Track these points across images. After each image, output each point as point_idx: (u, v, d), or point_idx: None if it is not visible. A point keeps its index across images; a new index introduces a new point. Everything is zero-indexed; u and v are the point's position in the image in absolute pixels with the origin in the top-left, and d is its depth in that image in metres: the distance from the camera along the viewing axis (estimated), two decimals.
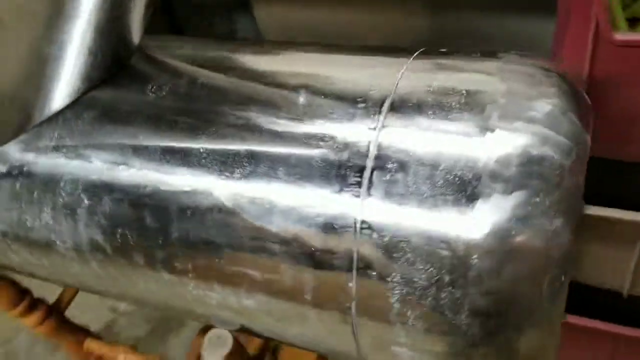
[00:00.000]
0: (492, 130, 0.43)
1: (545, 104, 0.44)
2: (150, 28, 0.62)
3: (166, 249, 0.52)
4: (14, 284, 0.74)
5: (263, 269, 0.49)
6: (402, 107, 0.46)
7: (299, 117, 0.49)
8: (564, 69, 0.51)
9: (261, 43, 0.66)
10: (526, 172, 0.41)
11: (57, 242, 0.58)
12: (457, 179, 0.42)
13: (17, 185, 0.57)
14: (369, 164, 0.44)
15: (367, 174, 0.44)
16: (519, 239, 0.41)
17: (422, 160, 0.43)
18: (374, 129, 0.45)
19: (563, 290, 0.43)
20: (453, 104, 0.45)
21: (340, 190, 0.45)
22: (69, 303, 0.82)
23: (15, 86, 0.56)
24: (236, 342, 0.60)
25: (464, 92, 0.45)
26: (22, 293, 0.76)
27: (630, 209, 0.83)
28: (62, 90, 0.57)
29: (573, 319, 1.07)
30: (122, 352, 0.80)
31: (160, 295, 0.58)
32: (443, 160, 0.43)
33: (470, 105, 0.44)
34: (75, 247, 0.57)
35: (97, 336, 0.86)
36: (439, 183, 0.42)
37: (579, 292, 1.01)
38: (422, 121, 0.45)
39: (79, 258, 0.58)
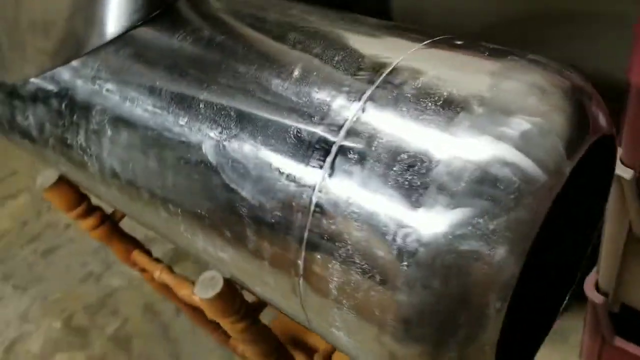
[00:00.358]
0: (455, 141, 0.41)
1: (525, 122, 0.41)
2: None
3: (163, 190, 0.57)
4: (74, 187, 0.84)
5: (233, 228, 0.51)
6: (382, 98, 0.45)
7: (288, 89, 0.49)
8: (582, 85, 0.46)
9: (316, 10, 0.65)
10: (475, 190, 0.39)
11: (88, 164, 0.65)
12: (407, 183, 0.41)
13: (63, 105, 0.65)
14: (334, 149, 0.45)
15: (329, 159, 0.45)
16: (450, 257, 0.39)
17: (380, 157, 0.42)
18: (346, 118, 0.45)
19: (494, 318, 0.41)
20: (430, 104, 0.43)
21: (304, 169, 0.46)
22: (123, 216, 0.92)
23: (69, 16, 0.62)
24: (228, 285, 0.64)
25: (445, 93, 0.43)
26: (81, 197, 0.86)
27: None
28: (109, 24, 0.62)
29: (621, 344, 1.00)
30: (159, 270, 0.88)
31: (163, 230, 0.64)
32: (399, 160, 0.42)
33: (445, 109, 0.42)
34: (100, 171, 0.64)
35: (145, 250, 0.95)
36: (389, 183, 0.42)
37: (632, 317, 0.94)
38: (395, 118, 0.44)
39: (102, 182, 0.65)
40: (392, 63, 0.47)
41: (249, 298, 0.70)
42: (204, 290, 0.63)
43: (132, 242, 0.95)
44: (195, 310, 0.99)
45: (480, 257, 0.39)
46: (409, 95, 0.44)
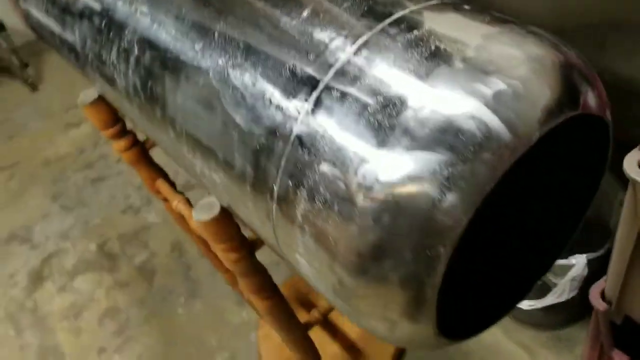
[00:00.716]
0: (430, 91, 0.42)
1: (501, 83, 0.42)
2: None
3: (173, 110, 0.61)
4: (111, 108, 0.90)
5: (224, 151, 0.55)
6: (376, 45, 0.47)
7: (294, 28, 0.52)
8: (575, 62, 0.47)
9: None
10: (437, 138, 0.41)
11: (117, 80, 0.70)
12: (377, 123, 0.43)
13: (103, 23, 0.69)
14: (320, 86, 0.47)
15: (315, 94, 0.47)
16: (402, 196, 0.41)
17: (359, 98, 0.44)
18: (338, 59, 0.47)
19: (438, 261, 0.43)
20: (416, 55, 0.45)
21: (291, 102, 0.48)
22: (154, 145, 0.97)
23: None
24: (224, 212, 0.68)
25: (433, 47, 0.45)
26: (117, 119, 0.92)
27: None
28: None
29: (619, 357, 0.98)
30: (177, 199, 0.93)
31: (171, 151, 0.68)
32: (374, 102, 0.44)
33: (429, 61, 0.44)
34: (125, 88, 0.68)
35: (169, 181, 1.01)
36: (362, 122, 0.44)
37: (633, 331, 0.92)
38: (381, 63, 0.45)
39: (127, 98, 0.69)
40: (394, 14, 0.49)
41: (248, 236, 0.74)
42: (201, 214, 0.67)
43: (159, 171, 1.01)
44: (207, 243, 1.04)
45: (431, 200, 0.41)
46: (399, 44, 0.46)
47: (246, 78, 0.52)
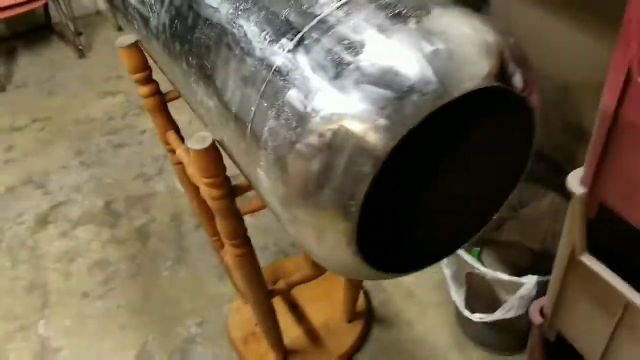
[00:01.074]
0: (385, 40, 0.53)
1: (441, 43, 0.52)
2: None
3: (189, 44, 0.72)
4: (143, 56, 1.02)
5: (222, 78, 0.66)
6: (356, 3, 0.57)
7: None
8: (513, 49, 0.57)
9: None
10: (379, 76, 0.51)
11: (150, 18, 0.82)
12: (338, 59, 0.53)
13: None
14: (304, 30, 0.58)
15: (299, 36, 0.58)
16: (345, 119, 0.52)
17: (331, 40, 0.55)
18: (323, 11, 0.58)
19: (362, 180, 0.52)
20: (382, 14, 0.55)
21: (280, 41, 0.59)
22: (173, 99, 1.09)
23: None
24: (214, 146, 0.78)
25: (397, 10, 0.55)
26: (146, 66, 1.04)
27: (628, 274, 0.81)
28: None
29: None
30: (181, 149, 1.04)
31: (182, 84, 0.79)
32: (340, 44, 0.54)
33: (391, 20, 0.54)
34: (156, 26, 0.80)
35: (179, 133, 1.12)
36: (327, 58, 0.54)
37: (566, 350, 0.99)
38: (356, 17, 0.56)
39: (155, 36, 0.81)
40: None
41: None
42: (194, 143, 0.78)
43: (172, 124, 1.12)
44: (203, 204, 1.14)
45: (366, 125, 0.51)
46: (373, 5, 0.56)
47: (251, 20, 0.63)
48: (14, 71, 2.65)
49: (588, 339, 0.92)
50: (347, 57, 0.53)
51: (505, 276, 1.11)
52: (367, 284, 1.51)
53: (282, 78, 0.57)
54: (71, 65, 2.65)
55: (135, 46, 0.99)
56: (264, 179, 0.61)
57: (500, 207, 0.72)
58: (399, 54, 0.52)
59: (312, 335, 1.38)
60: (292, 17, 0.60)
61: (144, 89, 1.06)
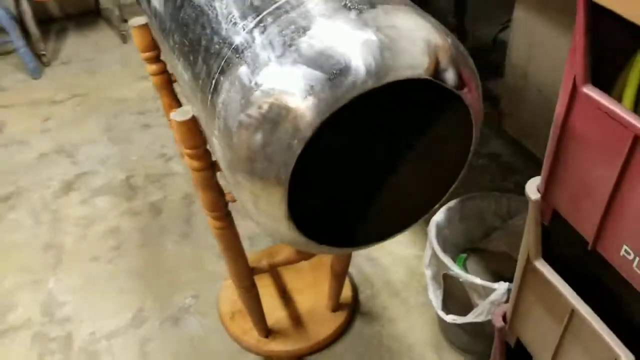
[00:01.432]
0: (331, 25, 0.58)
1: (374, 35, 0.57)
2: None
3: (175, 22, 0.79)
4: (153, 37, 1.10)
5: (194, 55, 0.73)
6: None
7: None
8: (454, 50, 0.61)
9: None
10: (314, 59, 0.57)
11: (155, 3, 0.89)
12: (286, 40, 0.59)
13: None
14: (263, 14, 0.64)
15: (258, 19, 0.64)
16: (281, 94, 0.58)
17: (283, 23, 0.61)
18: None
19: (292, 149, 0.58)
20: (333, 4, 0.61)
21: (243, 21, 0.66)
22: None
23: None
24: (194, 119, 0.85)
25: (344, 3, 0.61)
26: (155, 47, 1.12)
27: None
28: None
29: None
30: None
31: (169, 59, 0.86)
32: (291, 27, 0.60)
33: (337, 9, 0.60)
34: (155, 6, 0.88)
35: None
36: (277, 39, 0.60)
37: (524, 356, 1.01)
38: (308, 5, 0.62)
39: (154, 15, 0.89)
40: None
41: None
42: (177, 115, 0.85)
43: (177, 102, 1.20)
44: None
45: (295, 102, 0.57)
46: None
47: (224, 2, 0.70)
48: (61, 49, 2.81)
49: (540, 344, 0.95)
50: (291, 39, 0.59)
51: (478, 280, 1.14)
52: (357, 278, 1.56)
53: (237, 55, 0.63)
54: (113, 48, 2.79)
55: (146, 27, 1.08)
56: (217, 146, 0.67)
57: (442, 198, 0.76)
58: (336, 39, 0.57)
59: (296, 319, 1.43)
60: (256, 2, 0.66)
61: (152, 67, 1.14)
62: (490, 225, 1.38)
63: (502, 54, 2.07)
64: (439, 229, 1.30)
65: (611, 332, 0.76)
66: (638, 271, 0.67)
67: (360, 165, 0.80)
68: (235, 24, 0.66)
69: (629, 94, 0.67)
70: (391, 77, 0.57)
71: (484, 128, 2.00)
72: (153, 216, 1.80)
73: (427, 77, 0.59)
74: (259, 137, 0.59)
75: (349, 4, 0.60)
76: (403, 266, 1.59)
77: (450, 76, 0.61)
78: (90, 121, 2.27)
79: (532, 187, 0.84)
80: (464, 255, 1.39)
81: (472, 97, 0.64)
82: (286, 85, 0.57)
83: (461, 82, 0.62)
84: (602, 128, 0.66)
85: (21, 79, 2.59)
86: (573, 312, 0.82)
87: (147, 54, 1.12)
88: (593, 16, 0.60)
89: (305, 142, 0.57)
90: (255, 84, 0.59)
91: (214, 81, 0.66)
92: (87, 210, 1.84)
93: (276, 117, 0.57)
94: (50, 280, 1.61)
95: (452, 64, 0.61)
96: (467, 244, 1.41)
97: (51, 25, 3.05)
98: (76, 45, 2.85)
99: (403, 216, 0.79)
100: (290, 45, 0.58)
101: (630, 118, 0.62)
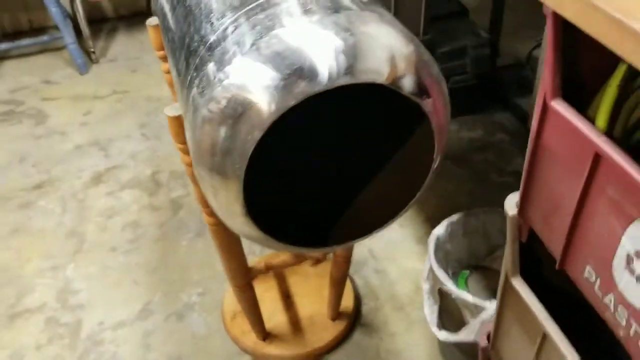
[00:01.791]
0: (296, 27, 0.60)
1: (338, 39, 0.59)
2: None
3: (169, 21, 0.83)
4: None
5: (179, 53, 0.75)
6: None
7: None
8: (417, 59, 0.62)
9: None
10: (272, 58, 0.58)
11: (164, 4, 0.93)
12: (253, 40, 0.61)
13: None
14: (241, 11, 0.66)
15: (235, 16, 0.66)
16: (240, 91, 0.59)
17: (257, 21, 0.63)
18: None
19: (248, 144, 0.59)
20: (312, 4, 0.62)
21: (220, 20, 0.68)
22: None
23: None
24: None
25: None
26: None
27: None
28: None
29: None
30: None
31: (169, 56, 0.90)
32: (261, 26, 0.62)
33: (309, 10, 0.61)
34: (161, 6, 0.92)
35: None
36: (247, 37, 0.62)
37: None
38: (280, 6, 0.63)
39: (161, 14, 0.93)
40: None
41: None
42: (169, 111, 0.88)
43: None
44: None
45: (251, 99, 0.58)
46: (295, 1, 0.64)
47: (209, 2, 0.73)
48: (109, 47, 2.93)
49: None
50: (259, 37, 0.61)
51: (469, 297, 1.12)
52: (362, 290, 1.56)
53: (209, 53, 0.66)
54: None
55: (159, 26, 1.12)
56: (189, 140, 0.69)
57: (407, 204, 0.76)
58: (296, 41, 0.59)
59: (295, 325, 1.44)
60: (235, 2, 0.68)
61: (165, 65, 1.18)
62: (495, 242, 1.36)
63: (534, 71, 2.03)
64: (440, 242, 1.28)
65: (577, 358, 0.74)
66: (599, 294, 0.65)
67: (327, 168, 0.81)
68: (212, 23, 0.69)
69: (603, 112, 0.66)
70: (345, 81, 0.58)
71: (509, 146, 1.98)
72: (172, 212, 1.85)
73: (382, 82, 0.60)
74: (217, 131, 0.61)
75: (313, 8, 0.61)
76: (410, 280, 1.58)
77: (408, 83, 0.61)
78: (126, 117, 2.36)
79: (511, 203, 0.83)
80: (467, 272, 1.37)
81: (433, 105, 0.64)
82: (244, 82, 0.59)
83: (421, 90, 0.62)
84: (568, 144, 0.65)
85: (69, 73, 2.72)
86: (545, 336, 0.81)
87: (162, 52, 1.16)
88: (577, 32, 0.59)
89: (257, 140, 0.59)
90: (219, 79, 0.61)
91: (189, 77, 0.69)
92: (112, 202, 1.91)
93: (233, 112, 0.59)
94: (69, 268, 1.68)
95: (412, 71, 0.61)
96: (471, 261, 1.38)
97: (104, 24, 3.18)
98: (124, 44, 2.97)
99: (369, 220, 0.79)
100: (252, 45, 0.60)
101: (591, 134, 0.60)
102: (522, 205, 0.78)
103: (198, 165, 0.65)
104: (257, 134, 0.58)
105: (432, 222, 1.67)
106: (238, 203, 0.64)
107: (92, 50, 2.78)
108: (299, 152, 0.79)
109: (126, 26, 3.16)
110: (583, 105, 0.70)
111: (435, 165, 0.71)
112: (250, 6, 0.65)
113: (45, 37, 2.82)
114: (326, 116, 0.77)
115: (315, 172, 0.80)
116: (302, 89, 0.57)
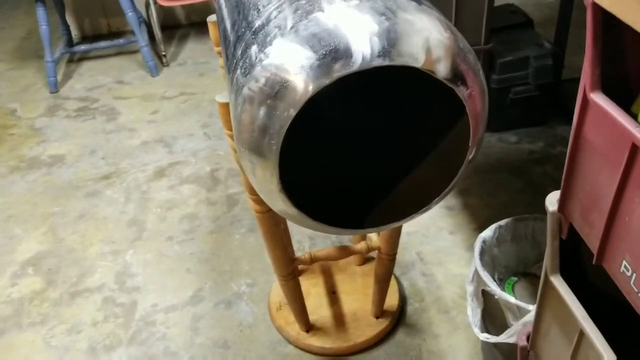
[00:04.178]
0: (338, 11, 0.63)
1: (375, 23, 0.61)
2: None
3: (225, 9, 0.87)
4: None
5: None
6: None
7: None
8: (457, 49, 0.63)
9: None
10: (308, 39, 0.61)
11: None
12: (290, 21, 0.64)
13: None
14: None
15: (279, 3, 0.70)
16: (278, 69, 0.63)
17: (292, 7, 0.66)
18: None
19: (284, 120, 0.62)
20: None
21: (266, 7, 0.72)
22: None
23: None
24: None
25: None
26: None
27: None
28: None
29: None
30: None
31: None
32: (297, 12, 0.65)
33: None
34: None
35: None
36: (288, 20, 0.65)
37: None
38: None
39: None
40: None
41: None
42: (220, 98, 0.93)
43: None
44: None
45: (287, 78, 0.61)
46: None
47: None
48: (180, 52, 3.07)
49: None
50: (295, 22, 0.64)
51: (512, 299, 1.10)
52: (408, 290, 1.56)
53: (253, 36, 0.70)
54: None
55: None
56: (232, 120, 0.73)
57: (439, 195, 0.77)
58: (331, 24, 0.62)
59: (339, 319, 1.46)
60: None
61: (222, 60, 1.24)
62: (544, 250, 1.33)
63: None
64: (487, 246, 1.27)
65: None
66: (635, 289, 0.64)
67: (364, 152, 0.83)
68: (259, 10, 0.73)
69: None
70: (379, 62, 0.60)
71: None
72: (227, 207, 1.91)
73: (416, 66, 0.61)
74: (256, 109, 0.64)
75: None
76: (457, 285, 1.56)
77: (443, 69, 0.62)
78: (191, 117, 2.46)
79: (553, 200, 0.82)
80: (515, 278, 1.35)
81: (469, 93, 0.65)
82: (282, 62, 0.62)
83: (457, 77, 0.63)
84: (607, 136, 0.65)
85: (141, 75, 2.86)
86: (582, 333, 0.79)
87: (219, 48, 1.22)
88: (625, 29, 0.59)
89: (292, 117, 0.62)
90: (259, 60, 0.65)
91: (235, 61, 0.73)
92: (172, 195, 2.00)
93: (270, 91, 0.63)
94: (128, 253, 1.77)
95: (448, 58, 0.62)
96: (520, 267, 1.36)
97: (176, 30, 3.34)
98: (193, 49, 3.10)
99: (405, 206, 0.80)
100: (292, 27, 0.63)
101: (629, 125, 0.60)
102: (563, 202, 0.78)
103: (238, 142, 0.69)
104: (292, 112, 0.61)
105: (483, 230, 1.65)
106: (274, 179, 0.67)
107: (163, 54, 2.92)
108: (337, 136, 0.81)
109: (197, 32, 3.30)
110: (629, 102, 0.69)
111: (470, 155, 0.72)
112: None
113: (121, 40, 2.99)
114: (364, 101, 0.79)
115: (352, 156, 0.82)
116: (337, 69, 0.60)
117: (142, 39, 2.77)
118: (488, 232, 1.28)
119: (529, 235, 1.33)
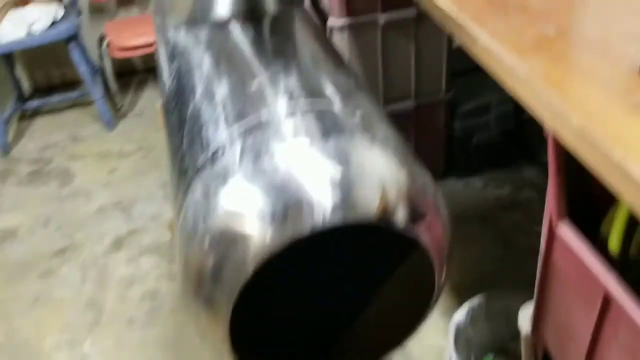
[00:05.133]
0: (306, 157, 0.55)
1: (337, 173, 0.53)
2: None
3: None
4: None
5: (173, 157, 0.71)
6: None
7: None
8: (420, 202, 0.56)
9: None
10: (269, 192, 0.53)
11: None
12: (252, 158, 0.56)
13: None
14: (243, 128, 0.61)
15: (241, 129, 0.62)
16: (236, 218, 0.54)
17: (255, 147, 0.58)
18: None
19: (243, 272, 0.54)
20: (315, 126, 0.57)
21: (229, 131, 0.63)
22: None
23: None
24: None
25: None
26: None
27: None
28: None
29: None
30: None
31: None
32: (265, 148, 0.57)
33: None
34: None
35: None
36: (247, 157, 0.57)
37: None
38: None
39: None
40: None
41: None
42: None
43: None
44: None
45: (251, 232, 0.53)
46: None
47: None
48: (137, 101, 2.97)
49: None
50: (254, 160, 0.56)
51: None
52: None
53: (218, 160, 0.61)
54: None
55: None
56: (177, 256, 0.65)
57: (407, 337, 0.69)
58: (285, 175, 0.54)
59: None
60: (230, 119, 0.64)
61: None
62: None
63: None
64: (461, 329, 1.21)
65: None
66: None
67: (324, 294, 0.75)
68: (203, 143, 0.65)
69: (616, 233, 0.60)
70: (336, 219, 0.53)
71: (537, 204, 1.87)
72: None
73: (372, 220, 0.54)
74: (209, 257, 0.56)
75: (304, 131, 0.56)
76: (433, 356, 1.49)
77: (401, 215, 0.55)
78: (149, 176, 2.36)
79: (525, 316, 0.75)
80: (490, 356, 1.28)
81: (429, 230, 0.57)
82: (244, 211, 0.54)
83: (416, 218, 0.55)
84: (578, 274, 0.58)
85: (97, 129, 2.75)
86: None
87: None
88: None
89: (259, 264, 0.54)
90: (215, 200, 0.57)
91: (178, 201, 0.65)
92: (131, 269, 1.89)
93: (229, 241, 0.55)
94: (86, 343, 1.65)
95: (405, 201, 0.55)
96: (496, 343, 1.29)
97: (133, 77, 3.23)
98: (151, 97, 3.00)
99: (374, 345, 0.73)
100: (243, 168, 0.55)
101: (600, 272, 0.53)
102: (536, 324, 0.71)
103: (184, 287, 0.61)
104: (261, 257, 0.53)
105: (457, 292, 1.58)
106: (223, 315, 0.58)
107: (120, 105, 2.82)
108: (291, 284, 0.73)
109: (154, 78, 3.19)
110: (599, 213, 0.63)
111: (434, 299, 0.65)
112: (244, 128, 0.60)
113: (74, 94, 2.88)
114: (320, 251, 0.71)
115: (312, 299, 0.74)
116: (293, 229, 0.52)
117: (96, 92, 2.67)
118: (461, 315, 1.22)
119: (502, 311, 1.27)
